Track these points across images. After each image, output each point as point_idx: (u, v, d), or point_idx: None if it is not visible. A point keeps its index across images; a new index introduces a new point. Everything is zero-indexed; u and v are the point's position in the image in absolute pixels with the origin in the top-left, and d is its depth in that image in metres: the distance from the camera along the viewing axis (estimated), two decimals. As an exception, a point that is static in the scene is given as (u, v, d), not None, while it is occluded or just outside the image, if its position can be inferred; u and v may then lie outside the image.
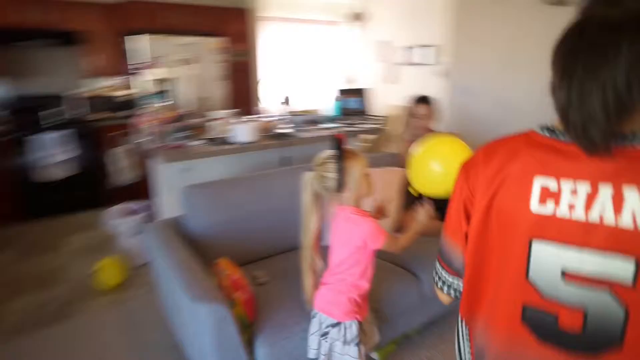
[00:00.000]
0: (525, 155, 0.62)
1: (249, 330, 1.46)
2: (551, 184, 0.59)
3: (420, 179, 1.26)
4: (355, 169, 1.25)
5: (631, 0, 0.52)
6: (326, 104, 3.60)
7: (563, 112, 0.57)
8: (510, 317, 0.64)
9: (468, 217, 0.71)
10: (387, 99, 5.46)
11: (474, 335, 0.74)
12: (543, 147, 0.61)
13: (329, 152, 1.27)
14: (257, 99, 4.75)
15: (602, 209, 0.55)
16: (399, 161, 2.50)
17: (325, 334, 1.32)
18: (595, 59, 0.52)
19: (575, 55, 0.54)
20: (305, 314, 1.49)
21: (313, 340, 1.37)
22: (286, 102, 3.18)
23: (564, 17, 0.61)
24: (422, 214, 1.38)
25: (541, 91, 3.02)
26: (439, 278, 0.80)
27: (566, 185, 0.57)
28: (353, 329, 1.32)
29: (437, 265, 0.81)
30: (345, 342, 1.31)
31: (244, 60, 4.58)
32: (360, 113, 3.95)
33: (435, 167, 1.20)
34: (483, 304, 0.70)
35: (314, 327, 1.36)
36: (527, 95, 3.27)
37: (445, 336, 2.02)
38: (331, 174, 1.24)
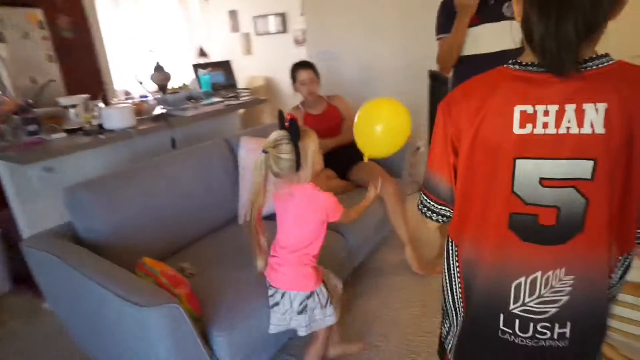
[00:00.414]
0: (503, 88, 0.73)
1: (198, 324, 1.36)
2: (529, 109, 0.70)
3: (372, 146, 1.37)
4: (309, 146, 1.26)
5: None
6: (192, 80, 3.34)
7: (540, 42, 0.67)
8: (499, 226, 0.77)
9: (455, 151, 0.80)
10: (246, 70, 5.37)
11: (462, 252, 0.86)
12: (517, 79, 0.73)
13: (280, 133, 1.25)
14: (110, 79, 4.12)
15: (569, 123, 0.69)
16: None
17: (303, 309, 1.33)
18: None
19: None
20: (253, 290, 1.46)
21: (281, 319, 1.38)
22: (162, 77, 2.84)
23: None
24: (372, 193, 1.53)
25: (402, 56, 3.36)
26: (427, 208, 0.90)
27: (540, 108, 0.70)
28: (324, 291, 1.37)
29: (424, 197, 0.90)
30: (322, 306, 1.35)
31: (72, 36, 3.86)
32: (230, 86, 3.81)
33: (382, 130, 1.32)
34: (472, 223, 0.81)
35: (284, 306, 1.36)
36: (390, 60, 3.62)
37: (370, 282, 2.23)
38: (286, 155, 1.23)
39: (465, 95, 0.78)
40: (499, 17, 1.72)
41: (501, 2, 1.70)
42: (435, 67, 3.11)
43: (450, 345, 0.96)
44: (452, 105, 0.79)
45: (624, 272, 0.81)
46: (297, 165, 1.23)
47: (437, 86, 3.08)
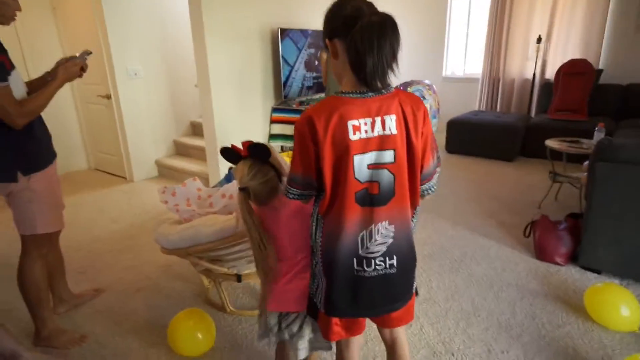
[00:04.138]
0: (338, 110, 0.99)
1: None
2: (355, 122, 0.99)
3: None
4: (275, 155, 1.25)
5: (379, 11, 0.96)
6: None
7: (370, 72, 0.96)
8: (350, 201, 1.04)
9: (316, 156, 1.01)
10: None
11: (326, 223, 1.09)
12: (345, 103, 1.00)
13: (247, 162, 1.22)
14: None
15: (378, 128, 1.00)
16: None
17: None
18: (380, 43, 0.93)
19: (371, 42, 0.93)
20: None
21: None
22: None
23: None
24: None
25: None
26: (295, 195, 1.11)
27: (362, 121, 0.99)
28: None
29: (292, 189, 1.10)
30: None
31: None
32: None
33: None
34: (336, 202, 1.05)
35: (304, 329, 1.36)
36: None
37: None
38: (267, 177, 1.23)
39: (316, 118, 0.99)
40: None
41: None
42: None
43: (319, 297, 1.18)
44: (307, 126, 1.00)
45: (416, 217, 1.19)
46: (280, 180, 1.25)
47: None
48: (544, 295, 2.20)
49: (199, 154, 4.36)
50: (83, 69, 1.78)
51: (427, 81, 4.62)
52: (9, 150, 1.64)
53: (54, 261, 2.07)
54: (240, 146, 1.24)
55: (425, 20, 5.83)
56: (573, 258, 2.48)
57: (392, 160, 1.02)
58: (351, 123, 0.99)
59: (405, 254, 1.11)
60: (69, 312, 2.16)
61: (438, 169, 1.15)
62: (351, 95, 1.02)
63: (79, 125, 4.79)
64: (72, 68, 1.75)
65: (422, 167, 1.08)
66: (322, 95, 4.21)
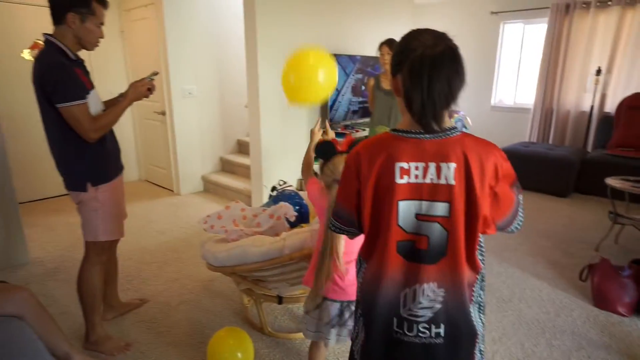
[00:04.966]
0: (387, 149, 0.92)
1: None
2: (404, 165, 0.90)
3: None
4: None
5: (443, 43, 0.88)
6: None
7: (418, 111, 0.89)
8: (391, 251, 0.94)
9: (358, 194, 0.97)
10: None
11: (367, 268, 1.01)
12: (397, 142, 0.92)
13: (340, 157, 1.39)
14: None
15: (431, 176, 0.89)
16: None
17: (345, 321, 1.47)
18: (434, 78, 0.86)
19: (420, 78, 0.87)
20: None
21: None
22: None
23: None
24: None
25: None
26: (338, 229, 1.07)
27: (412, 165, 0.89)
28: None
29: (335, 222, 1.06)
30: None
31: None
32: None
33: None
34: (377, 247, 0.97)
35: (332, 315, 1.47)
36: None
37: None
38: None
39: (364, 154, 0.95)
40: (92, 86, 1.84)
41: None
42: None
43: (357, 346, 1.08)
44: (354, 162, 0.96)
45: (482, 287, 1.02)
46: None
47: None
48: (604, 348, 2.02)
49: (243, 172, 4.46)
50: (150, 89, 1.90)
51: (461, 112, 4.54)
52: (82, 162, 1.78)
53: (110, 268, 2.16)
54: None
55: (475, 46, 5.73)
56: (638, 309, 2.27)
57: (447, 214, 0.90)
58: (399, 165, 0.90)
59: (457, 325, 0.95)
60: (116, 319, 2.24)
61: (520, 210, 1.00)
62: (405, 134, 0.93)
63: (134, 138, 5.07)
64: (140, 88, 1.87)
65: (496, 219, 0.95)
66: (367, 119, 4.23)
